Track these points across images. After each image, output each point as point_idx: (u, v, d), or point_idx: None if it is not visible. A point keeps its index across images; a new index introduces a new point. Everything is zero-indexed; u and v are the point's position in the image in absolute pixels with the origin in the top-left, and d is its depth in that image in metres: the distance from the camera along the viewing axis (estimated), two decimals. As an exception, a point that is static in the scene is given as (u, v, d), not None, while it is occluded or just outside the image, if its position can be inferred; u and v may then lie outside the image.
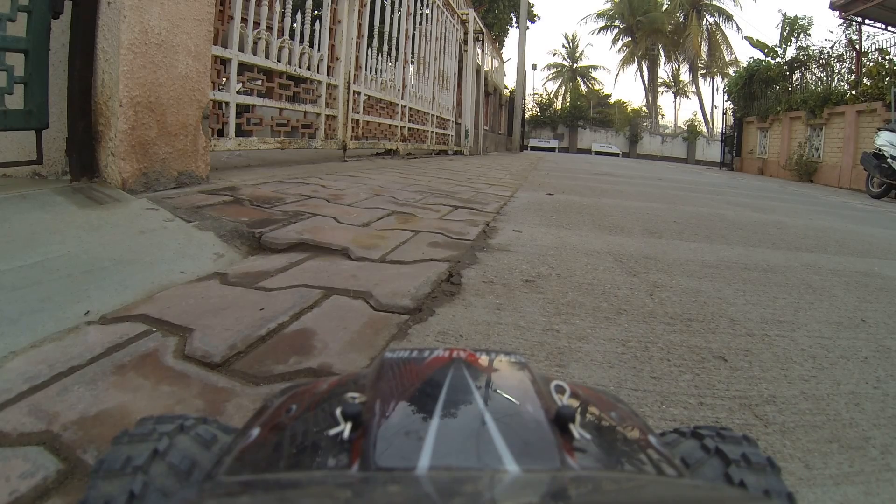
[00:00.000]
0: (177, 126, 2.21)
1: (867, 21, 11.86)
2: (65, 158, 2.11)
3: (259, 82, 3.21)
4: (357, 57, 4.70)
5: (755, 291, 1.50)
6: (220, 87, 2.88)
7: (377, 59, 5.49)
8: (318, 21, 4.02)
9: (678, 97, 43.51)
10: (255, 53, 3.17)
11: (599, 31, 41.66)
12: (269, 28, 3.32)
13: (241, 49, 3.02)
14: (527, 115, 29.77)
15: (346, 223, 1.90)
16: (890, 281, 1.93)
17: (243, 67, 3.06)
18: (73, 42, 2.02)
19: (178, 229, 1.64)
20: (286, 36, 3.51)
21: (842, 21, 12.40)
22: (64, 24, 2.00)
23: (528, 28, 18.34)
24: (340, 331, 0.94)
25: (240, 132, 3.07)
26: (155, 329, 0.94)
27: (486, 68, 13.35)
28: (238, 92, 3.04)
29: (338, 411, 0.29)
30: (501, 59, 19.36)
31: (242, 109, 3.11)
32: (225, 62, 2.87)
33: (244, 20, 3.05)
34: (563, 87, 45.00)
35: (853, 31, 12.40)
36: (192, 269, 1.35)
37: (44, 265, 1.30)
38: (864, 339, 1.21)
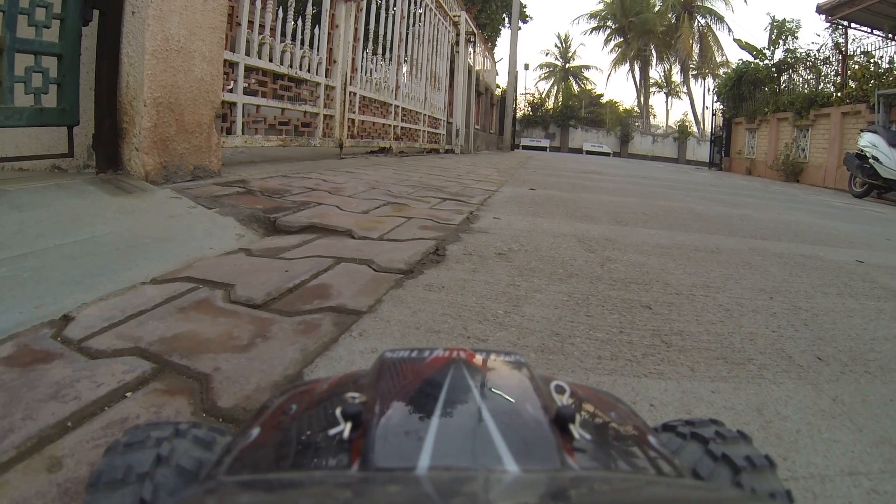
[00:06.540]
0: (193, 124, 2.44)
1: (853, 25, 12.14)
2: (88, 153, 2.33)
3: (264, 84, 3.44)
4: (353, 59, 4.94)
5: (695, 266, 1.76)
6: (229, 89, 3.11)
7: (372, 61, 5.73)
8: (317, 25, 4.25)
9: (670, 97, 43.78)
10: (259, 57, 3.40)
11: (592, 32, 41.77)
12: (273, 30, 3.55)
13: (248, 53, 3.26)
14: (518, 115, 30.01)
15: (347, 211, 2.15)
16: (828, 262, 2.17)
17: (249, 70, 3.29)
18: (100, 47, 2.24)
19: (202, 214, 1.87)
20: (288, 40, 3.74)
21: (828, 24, 12.69)
22: (91, 30, 2.22)
23: (519, 28, 18.61)
24: (351, 284, 1.18)
25: (245, 130, 3.30)
26: (201, 285, 1.18)
27: (477, 68, 13.60)
28: (244, 93, 3.27)
29: (338, 411, 0.29)
30: (493, 59, 19.59)
31: (248, 109, 3.34)
32: (233, 65, 3.10)
33: (250, 23, 3.28)
34: (556, 87, 45.16)
35: (839, 35, 12.72)
36: (219, 246, 1.59)
37: (93, 241, 1.54)
38: (780, 301, 1.47)
